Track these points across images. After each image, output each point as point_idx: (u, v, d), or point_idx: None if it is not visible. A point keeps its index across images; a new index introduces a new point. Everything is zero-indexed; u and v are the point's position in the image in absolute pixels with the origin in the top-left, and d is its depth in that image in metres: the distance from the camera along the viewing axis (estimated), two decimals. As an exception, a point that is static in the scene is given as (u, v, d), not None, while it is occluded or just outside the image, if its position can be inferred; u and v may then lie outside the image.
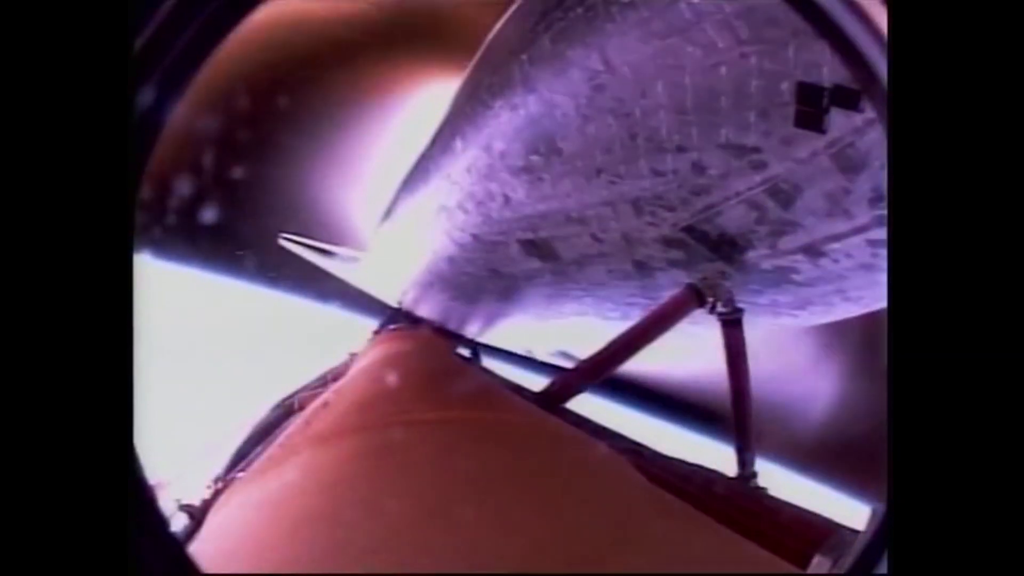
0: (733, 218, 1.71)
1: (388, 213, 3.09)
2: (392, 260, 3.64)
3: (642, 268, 2.12)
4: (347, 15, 4.17)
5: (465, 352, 3.76)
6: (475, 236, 2.41)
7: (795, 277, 1.87)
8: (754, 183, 1.61)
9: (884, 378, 0.81)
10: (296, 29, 3.95)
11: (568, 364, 4.14)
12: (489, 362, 3.80)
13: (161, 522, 0.81)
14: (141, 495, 0.78)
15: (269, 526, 1.40)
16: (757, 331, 2.50)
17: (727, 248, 1.81)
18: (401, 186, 2.74)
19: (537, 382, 2.92)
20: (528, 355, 4.29)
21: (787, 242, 1.73)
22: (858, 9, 0.85)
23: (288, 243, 4.43)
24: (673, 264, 2.03)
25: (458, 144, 2.01)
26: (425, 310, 3.84)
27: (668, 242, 1.88)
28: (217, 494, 2.13)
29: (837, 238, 1.73)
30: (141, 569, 0.76)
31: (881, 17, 0.84)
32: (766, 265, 1.86)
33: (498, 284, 2.82)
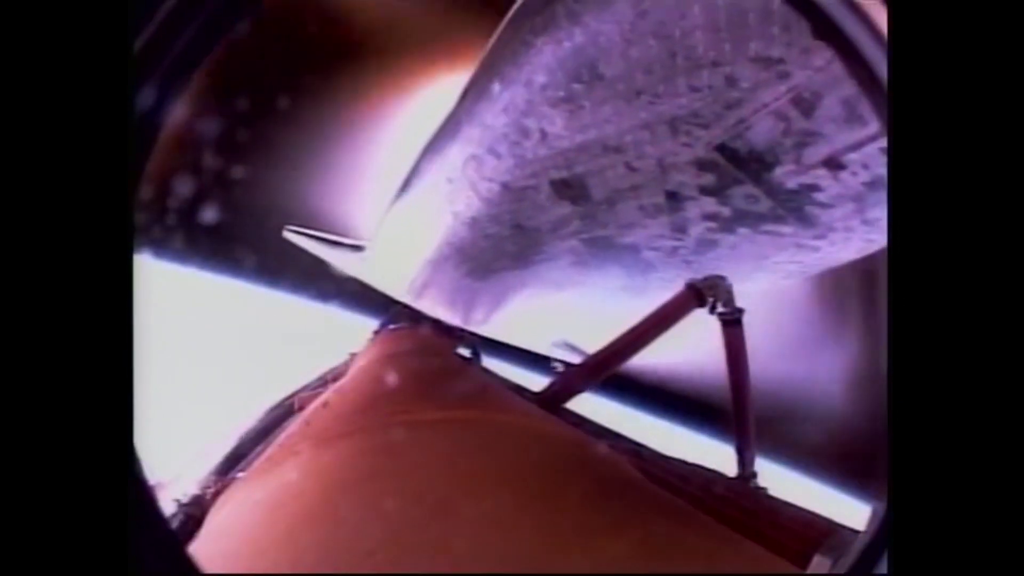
0: (761, 131, 1.86)
1: (405, 185, 3.06)
2: (402, 243, 3.60)
3: (673, 199, 2.21)
4: (349, 12, 4.18)
5: (465, 352, 3.76)
6: (504, 184, 2.45)
7: (818, 196, 2.00)
8: (780, 93, 1.75)
9: (884, 377, 0.81)
10: (298, 24, 3.95)
11: (572, 357, 4.14)
12: (489, 362, 3.80)
13: (161, 522, 0.81)
14: (141, 495, 0.78)
15: (269, 526, 1.40)
16: (779, 273, 2.53)
17: (756, 166, 1.93)
18: (423, 150, 2.72)
19: (538, 382, 2.93)
20: (531, 350, 4.29)
21: (810, 154, 1.87)
22: (858, 9, 0.85)
23: (292, 235, 4.40)
24: (704, 191, 2.14)
25: (495, 87, 2.08)
26: (434, 294, 3.81)
27: (701, 165, 2.00)
28: (217, 494, 2.13)
29: (854, 147, 1.87)
30: (141, 569, 0.76)
31: (881, 17, 0.84)
32: (791, 184, 1.99)
33: (521, 243, 2.81)
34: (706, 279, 2.79)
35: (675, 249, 2.51)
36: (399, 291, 4.13)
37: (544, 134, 2.12)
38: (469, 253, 3.10)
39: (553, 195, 2.39)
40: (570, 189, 2.32)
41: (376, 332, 4.07)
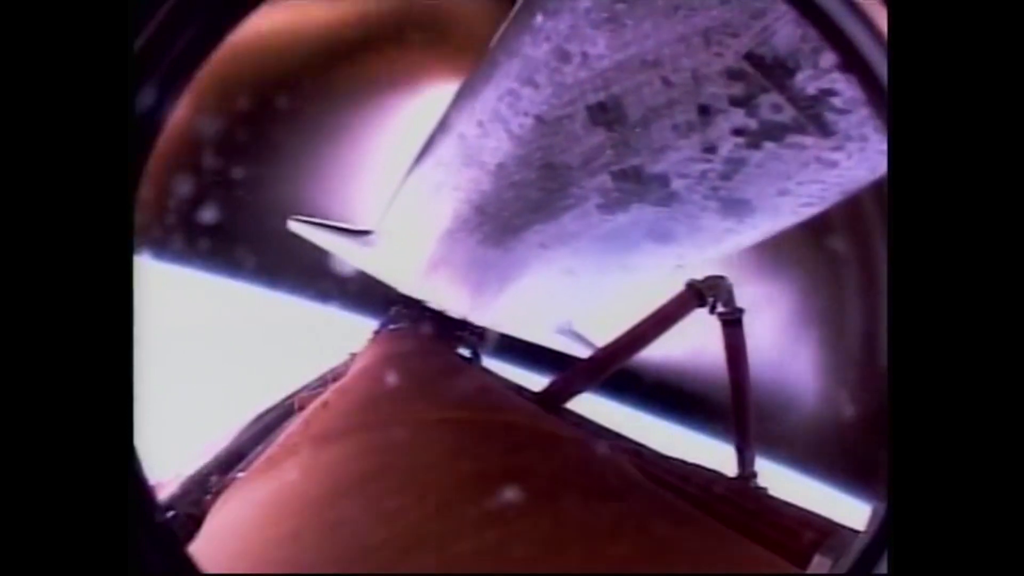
0: (783, 37, 2.05)
1: (425, 149, 3.06)
2: (416, 219, 3.58)
3: (705, 113, 2.37)
4: (351, 10, 4.18)
5: (465, 352, 3.77)
6: (539, 117, 2.54)
7: (834, 101, 2.15)
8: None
9: (885, 377, 0.81)
10: (299, 23, 3.95)
11: (575, 345, 4.14)
12: (489, 362, 3.81)
13: (161, 522, 0.81)
14: (141, 495, 0.78)
15: (269, 526, 1.40)
16: (801, 198, 2.63)
17: (780, 72, 2.11)
18: (454, 98, 2.74)
19: (538, 382, 2.93)
20: (532, 344, 4.28)
21: (826, 59, 2.02)
22: (858, 9, 0.85)
23: (297, 226, 4.38)
24: (733, 103, 2.31)
25: (538, 19, 2.20)
26: (447, 271, 3.80)
27: (731, 74, 2.20)
28: (217, 494, 2.13)
29: None
30: (141, 569, 0.76)
31: (881, 17, 0.84)
32: (811, 89, 2.15)
33: (547, 187, 2.84)
34: (706, 279, 2.80)
35: (704, 174, 2.60)
36: (406, 277, 4.11)
37: (585, 56, 2.24)
38: (490, 210, 3.10)
39: (588, 122, 2.48)
40: (606, 113, 2.42)
41: (376, 332, 4.07)
